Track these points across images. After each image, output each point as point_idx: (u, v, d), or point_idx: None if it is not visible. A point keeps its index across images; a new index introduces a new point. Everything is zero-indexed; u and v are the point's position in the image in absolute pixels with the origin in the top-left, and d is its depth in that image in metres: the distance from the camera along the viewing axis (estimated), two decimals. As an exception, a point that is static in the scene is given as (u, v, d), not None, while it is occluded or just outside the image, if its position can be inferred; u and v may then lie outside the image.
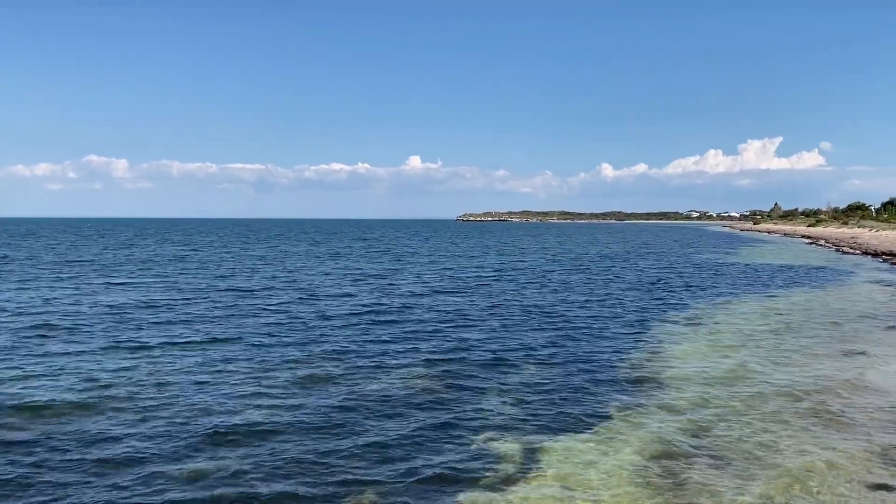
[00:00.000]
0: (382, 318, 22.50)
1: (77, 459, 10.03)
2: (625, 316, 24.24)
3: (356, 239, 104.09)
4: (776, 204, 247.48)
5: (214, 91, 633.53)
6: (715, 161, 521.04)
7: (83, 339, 18.37)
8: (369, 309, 24.50)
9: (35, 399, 12.79)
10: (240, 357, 16.54)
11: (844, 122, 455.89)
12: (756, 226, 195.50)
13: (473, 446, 10.80)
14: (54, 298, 26.50)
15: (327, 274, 40.03)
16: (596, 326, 21.78)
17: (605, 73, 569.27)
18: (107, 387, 13.65)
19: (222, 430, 11.27)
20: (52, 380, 14.16)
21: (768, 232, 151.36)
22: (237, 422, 11.73)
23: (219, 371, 15.15)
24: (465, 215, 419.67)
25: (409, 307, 25.21)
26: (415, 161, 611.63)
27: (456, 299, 27.92)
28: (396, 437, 11.18)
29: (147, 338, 18.73)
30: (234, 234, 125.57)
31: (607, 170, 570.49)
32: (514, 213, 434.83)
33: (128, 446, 10.57)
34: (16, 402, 12.61)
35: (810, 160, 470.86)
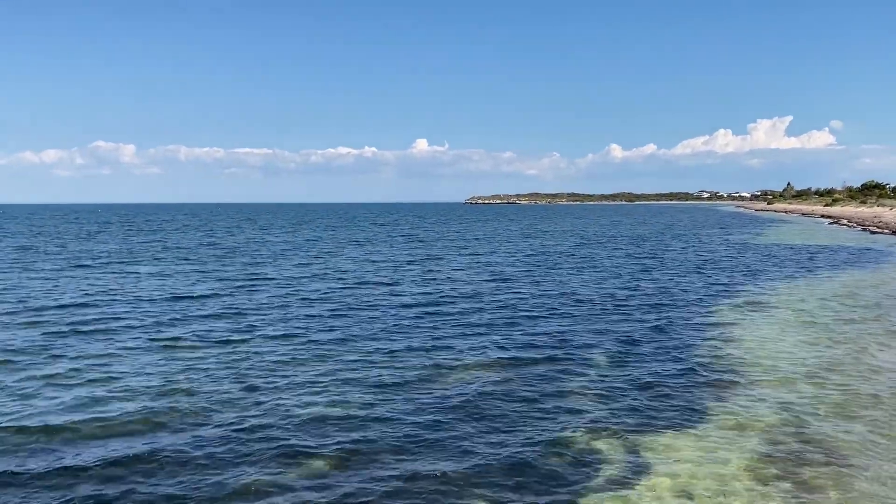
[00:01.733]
0: (437, 310, 21.61)
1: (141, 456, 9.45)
2: (687, 301, 23.47)
3: (373, 224, 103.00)
4: (789, 184, 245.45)
5: (221, 76, 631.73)
6: (724, 141, 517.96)
7: (148, 334, 17.73)
8: (418, 300, 23.52)
9: (106, 404, 12.19)
10: (307, 354, 15.81)
11: (855, 101, 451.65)
12: (770, 205, 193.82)
13: (575, 446, 10.15)
14: (114, 289, 25.89)
15: (360, 261, 39.36)
16: (662, 314, 21.02)
17: (613, 53, 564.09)
18: (182, 386, 13.02)
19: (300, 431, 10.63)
20: (128, 377, 13.55)
21: (785, 212, 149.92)
22: (316, 424, 11.08)
23: (289, 369, 14.46)
24: (473, 198, 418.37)
25: (460, 297, 24.34)
26: (421, 144, 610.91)
27: (505, 288, 27.07)
28: (489, 438, 10.52)
29: (205, 333, 18.09)
30: (252, 219, 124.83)
31: (616, 150, 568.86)
32: (523, 195, 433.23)
33: (217, 446, 9.95)
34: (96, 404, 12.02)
35: (820, 139, 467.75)
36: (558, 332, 18.07)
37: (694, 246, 51.47)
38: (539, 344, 16.72)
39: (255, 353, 15.66)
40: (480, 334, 17.90)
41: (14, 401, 12.02)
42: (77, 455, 9.73)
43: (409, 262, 37.74)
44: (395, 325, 19.00)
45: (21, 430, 10.65)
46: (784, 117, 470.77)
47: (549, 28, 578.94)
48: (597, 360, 15.18)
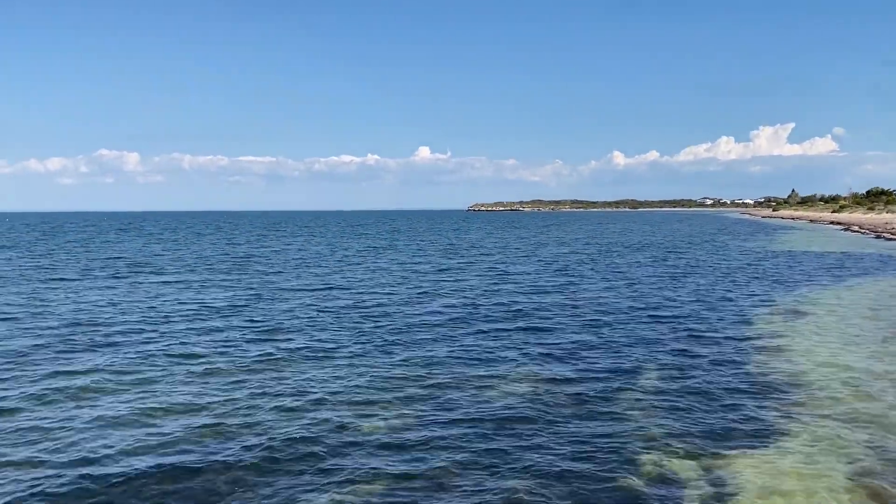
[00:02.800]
0: (478, 320, 21.10)
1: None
2: (726, 310, 22.97)
3: (390, 231, 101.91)
4: (793, 190, 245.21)
5: (225, 84, 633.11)
6: (727, 148, 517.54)
7: (180, 348, 17.29)
8: (454, 310, 22.92)
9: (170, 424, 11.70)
10: (361, 366, 15.36)
11: (858, 107, 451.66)
12: (775, 212, 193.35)
13: (646, 466, 9.64)
14: (184, 301, 25.45)
15: (383, 269, 38.88)
16: (705, 323, 20.51)
17: (615, 60, 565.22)
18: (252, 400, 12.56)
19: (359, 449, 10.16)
20: (195, 387, 13.09)
21: (792, 218, 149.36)
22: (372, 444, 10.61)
23: (345, 383, 13.97)
24: (476, 205, 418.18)
25: (496, 307, 23.79)
26: (424, 152, 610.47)
27: (536, 298, 26.48)
28: (553, 456, 9.99)
29: (239, 345, 17.66)
30: (267, 228, 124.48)
31: (618, 157, 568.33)
32: (526, 202, 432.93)
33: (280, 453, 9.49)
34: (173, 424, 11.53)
35: (823, 146, 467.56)
36: (603, 344, 17.56)
37: (715, 253, 50.85)
38: (588, 356, 16.20)
39: (297, 365, 15.21)
40: (525, 345, 17.40)
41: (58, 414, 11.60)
42: (129, 467, 9.30)
43: (440, 271, 37.18)
44: (437, 336, 18.51)
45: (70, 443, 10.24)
46: (786, 124, 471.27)
47: (549, 36, 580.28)
48: (649, 372, 14.68)
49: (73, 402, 12.34)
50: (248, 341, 17.67)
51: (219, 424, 11.18)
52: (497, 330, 19.43)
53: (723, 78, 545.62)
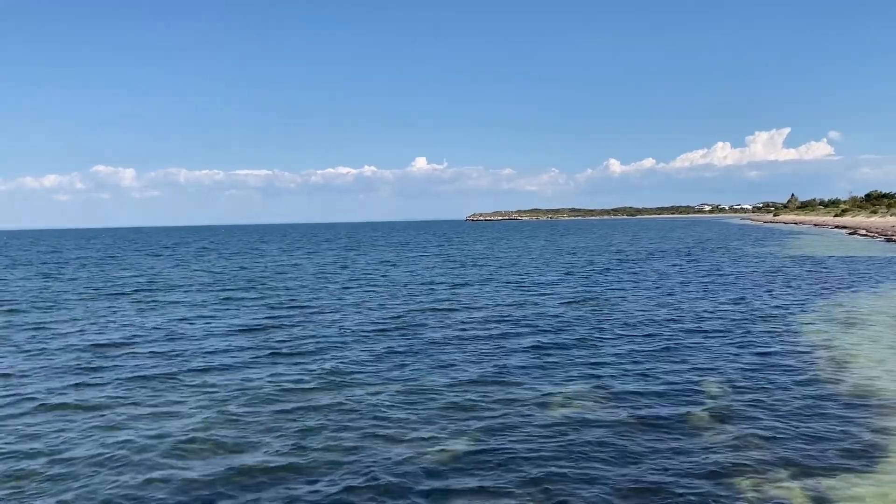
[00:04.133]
0: (520, 333, 20.41)
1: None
2: (771, 317, 22.38)
3: (398, 244, 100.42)
4: (793, 195, 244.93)
5: (221, 98, 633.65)
6: (723, 154, 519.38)
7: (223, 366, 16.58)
8: (495, 327, 21.80)
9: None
10: (412, 385, 14.70)
11: (852, 110, 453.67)
12: (776, 217, 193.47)
13: (748, 494, 8.90)
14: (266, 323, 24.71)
15: (404, 283, 38.18)
16: (756, 333, 19.83)
17: (610, 68, 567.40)
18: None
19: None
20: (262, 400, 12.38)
21: (795, 223, 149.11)
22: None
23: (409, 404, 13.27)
24: (474, 215, 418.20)
25: (537, 320, 23.06)
26: (420, 162, 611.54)
27: (573, 310, 25.61)
28: (641, 481, 9.32)
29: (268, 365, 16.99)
30: (276, 241, 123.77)
31: (614, 165, 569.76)
32: (524, 211, 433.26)
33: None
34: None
35: (819, 150, 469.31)
36: (659, 358, 16.79)
37: (737, 260, 50.09)
38: (649, 372, 15.42)
39: (343, 384, 14.50)
40: (578, 360, 16.67)
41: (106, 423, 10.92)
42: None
43: (462, 285, 36.17)
44: (486, 351, 17.83)
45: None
46: (782, 129, 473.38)
47: (544, 44, 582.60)
48: (717, 388, 13.91)
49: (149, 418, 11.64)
50: (284, 362, 16.97)
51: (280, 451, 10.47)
52: (543, 344, 18.68)
53: (718, 84, 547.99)
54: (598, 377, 14.91)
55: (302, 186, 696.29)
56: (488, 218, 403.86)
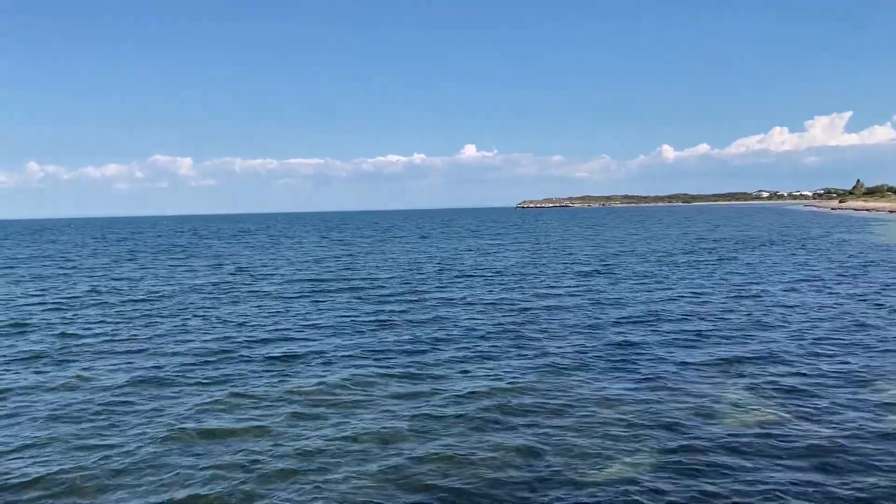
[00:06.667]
0: (656, 330, 20.20)
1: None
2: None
3: (470, 232, 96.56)
4: (858, 181, 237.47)
5: (275, 88, 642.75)
6: (780, 139, 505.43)
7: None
8: (631, 330, 20.15)
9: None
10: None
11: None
12: (843, 204, 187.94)
13: None
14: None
15: (498, 270, 39.02)
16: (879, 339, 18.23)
17: (663, 54, 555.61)
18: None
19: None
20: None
21: (866, 210, 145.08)
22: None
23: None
24: (525, 202, 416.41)
25: (665, 314, 23.51)
26: (470, 150, 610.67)
27: (697, 304, 25.89)
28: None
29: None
30: (343, 230, 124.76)
31: (668, 151, 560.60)
32: (575, 198, 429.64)
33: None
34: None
35: (883, 134, 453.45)
36: (782, 353, 16.62)
37: (836, 248, 48.69)
38: (818, 384, 14.17)
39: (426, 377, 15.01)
40: (713, 357, 16.34)
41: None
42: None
43: (581, 275, 36.21)
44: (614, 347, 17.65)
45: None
46: (843, 113, 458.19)
47: (594, 29, 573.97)
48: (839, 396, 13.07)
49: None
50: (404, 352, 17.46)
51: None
52: (676, 341, 18.26)
53: (775, 68, 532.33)
54: (750, 385, 13.97)
55: (353, 174, 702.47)
56: (539, 205, 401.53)
